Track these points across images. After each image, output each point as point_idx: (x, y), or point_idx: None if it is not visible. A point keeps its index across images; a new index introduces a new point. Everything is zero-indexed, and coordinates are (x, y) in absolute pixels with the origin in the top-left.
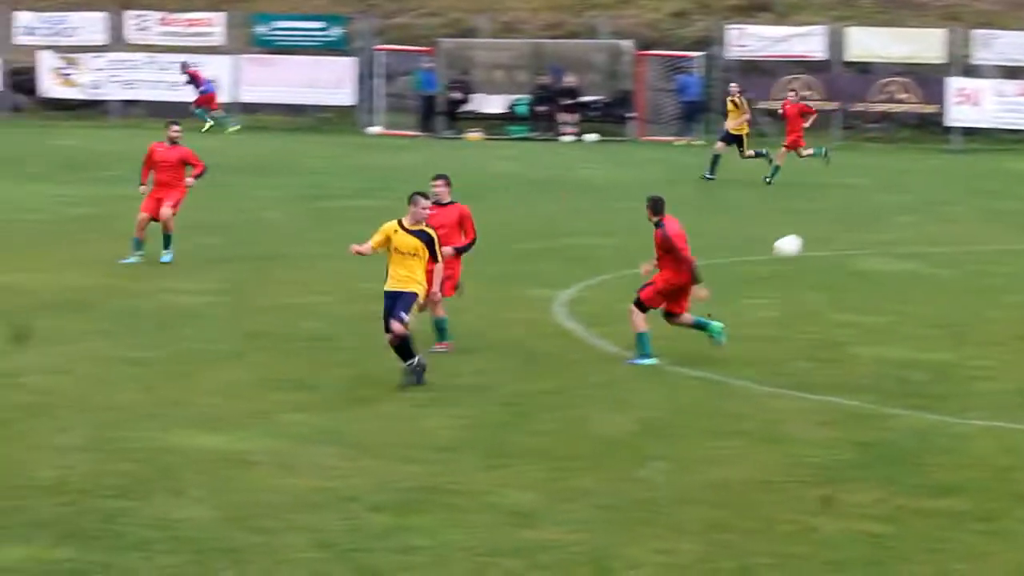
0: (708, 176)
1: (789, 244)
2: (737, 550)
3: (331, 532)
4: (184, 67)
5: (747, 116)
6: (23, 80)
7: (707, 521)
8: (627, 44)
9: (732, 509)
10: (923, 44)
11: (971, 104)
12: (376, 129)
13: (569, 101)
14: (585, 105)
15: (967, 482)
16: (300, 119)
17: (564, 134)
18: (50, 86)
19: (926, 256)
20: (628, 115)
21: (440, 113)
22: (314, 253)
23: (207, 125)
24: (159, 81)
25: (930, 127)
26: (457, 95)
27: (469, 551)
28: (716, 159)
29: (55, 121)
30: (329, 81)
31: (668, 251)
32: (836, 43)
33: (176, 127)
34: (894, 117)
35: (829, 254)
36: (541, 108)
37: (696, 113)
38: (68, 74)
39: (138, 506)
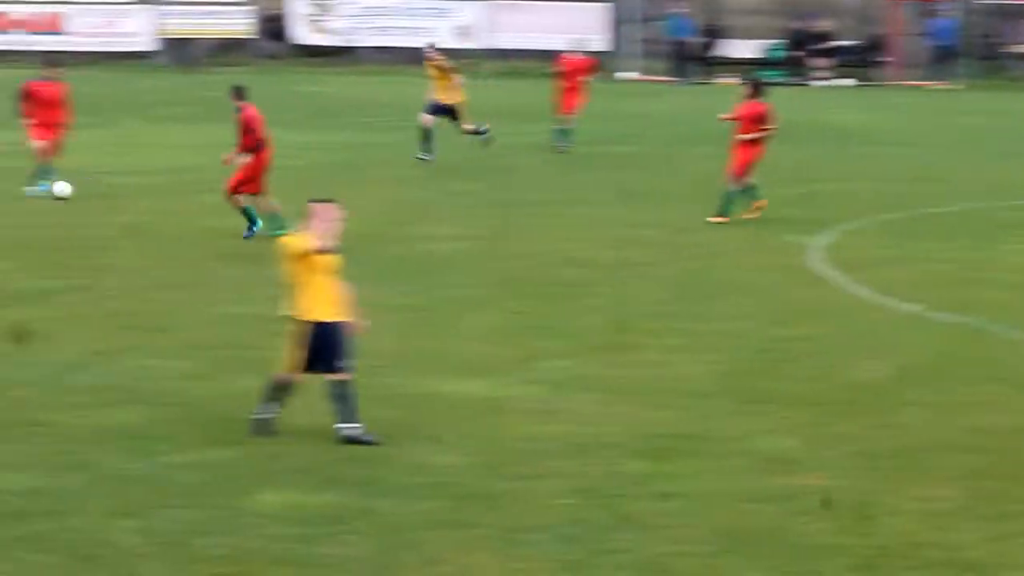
0: (422, 157)
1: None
2: (997, 497)
3: (588, 478)
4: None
5: (458, 80)
6: (275, 27)
7: (966, 468)
8: None
9: (992, 455)
10: None
11: None
12: (629, 75)
13: (822, 46)
14: (838, 49)
15: None
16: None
17: (817, 79)
18: (303, 33)
19: None
20: (881, 59)
21: (692, 58)
22: (568, 199)
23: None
24: (411, 28)
25: None
26: (707, 40)
27: (727, 497)
28: (428, 134)
29: (308, 68)
30: (582, 26)
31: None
32: None
33: None
34: None
35: None
36: (796, 53)
37: (950, 57)
38: (320, 20)
39: (397, 452)
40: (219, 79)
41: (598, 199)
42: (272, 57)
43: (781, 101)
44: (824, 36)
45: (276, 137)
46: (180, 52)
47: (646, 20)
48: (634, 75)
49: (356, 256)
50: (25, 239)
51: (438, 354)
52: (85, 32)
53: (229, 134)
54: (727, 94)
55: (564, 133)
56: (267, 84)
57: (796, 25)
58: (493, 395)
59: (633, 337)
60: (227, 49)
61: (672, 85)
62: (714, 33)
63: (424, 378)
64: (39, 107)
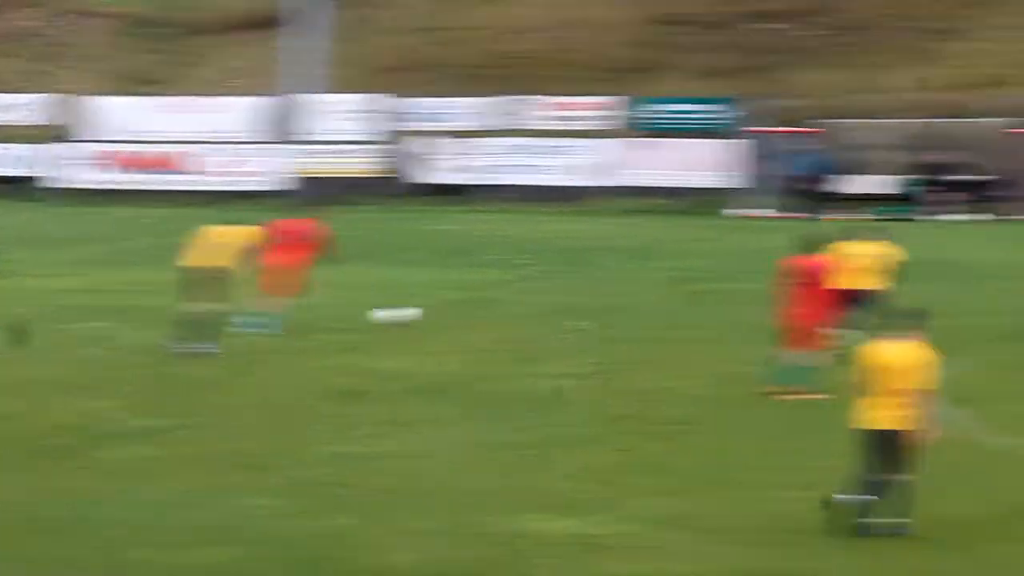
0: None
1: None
2: None
3: None
4: None
5: None
6: (404, 166)
7: None
8: (1013, 121)
9: None
10: None
11: None
12: (761, 211)
13: (957, 179)
14: (971, 184)
15: None
16: (681, 202)
17: (952, 213)
18: (437, 171)
19: None
20: (1016, 194)
21: (827, 195)
22: (683, 337)
23: None
24: (541, 166)
25: None
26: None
27: None
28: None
29: (438, 206)
30: (710, 164)
31: None
32: None
33: None
34: None
35: None
36: (929, 188)
37: None
38: (451, 159)
39: None
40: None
41: (709, 336)
42: (395, 196)
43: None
44: (956, 170)
45: (402, 276)
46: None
47: (772, 157)
48: (768, 211)
49: (461, 393)
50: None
51: (534, 492)
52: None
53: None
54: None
55: None
56: (390, 222)
57: (928, 159)
58: (587, 532)
59: (736, 474)
60: (354, 188)
61: (801, 221)
62: (841, 169)
63: (519, 516)
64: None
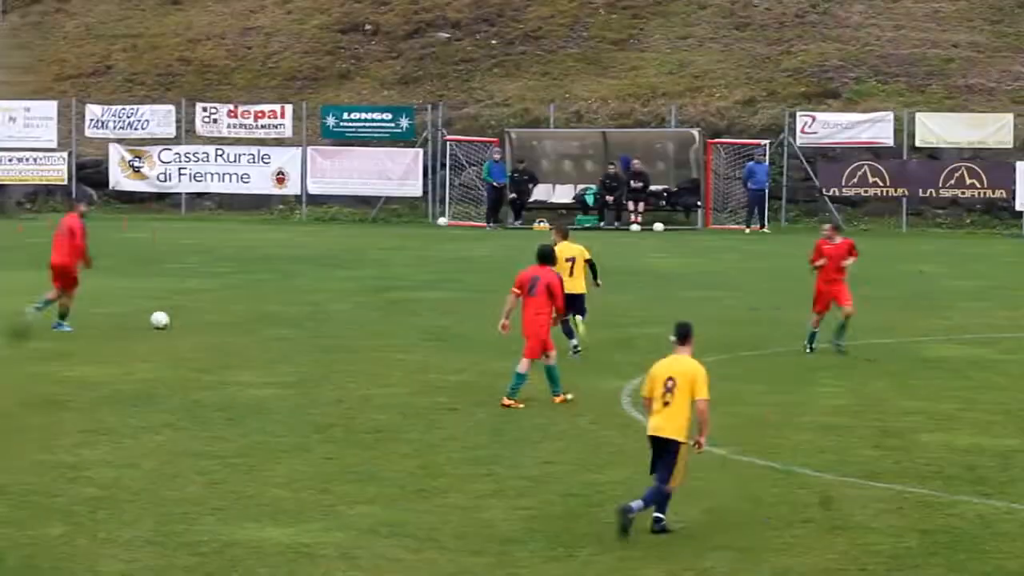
0: None
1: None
2: None
3: None
4: None
5: None
6: (91, 173)
7: None
8: (694, 132)
9: None
10: (992, 129)
11: None
12: (444, 220)
13: (637, 189)
14: (654, 194)
15: None
16: (368, 210)
17: (633, 223)
18: (120, 178)
19: (994, 342)
20: (696, 203)
21: (508, 204)
22: (382, 345)
23: None
24: (228, 173)
25: (998, 212)
26: (525, 185)
27: None
28: None
29: (125, 213)
30: (397, 172)
31: None
32: (905, 129)
33: None
34: (961, 203)
35: (897, 341)
36: (610, 197)
37: (763, 201)
38: (138, 167)
39: None
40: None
41: (409, 344)
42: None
43: (600, 245)
44: (639, 180)
45: (98, 284)
46: None
47: (459, 166)
48: (446, 220)
49: (162, 401)
50: None
51: (244, 500)
52: None
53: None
54: (542, 239)
55: None
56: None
57: (612, 170)
58: (300, 541)
59: (442, 482)
60: (42, 195)
61: (487, 230)
62: (529, 178)
63: (229, 525)
64: None
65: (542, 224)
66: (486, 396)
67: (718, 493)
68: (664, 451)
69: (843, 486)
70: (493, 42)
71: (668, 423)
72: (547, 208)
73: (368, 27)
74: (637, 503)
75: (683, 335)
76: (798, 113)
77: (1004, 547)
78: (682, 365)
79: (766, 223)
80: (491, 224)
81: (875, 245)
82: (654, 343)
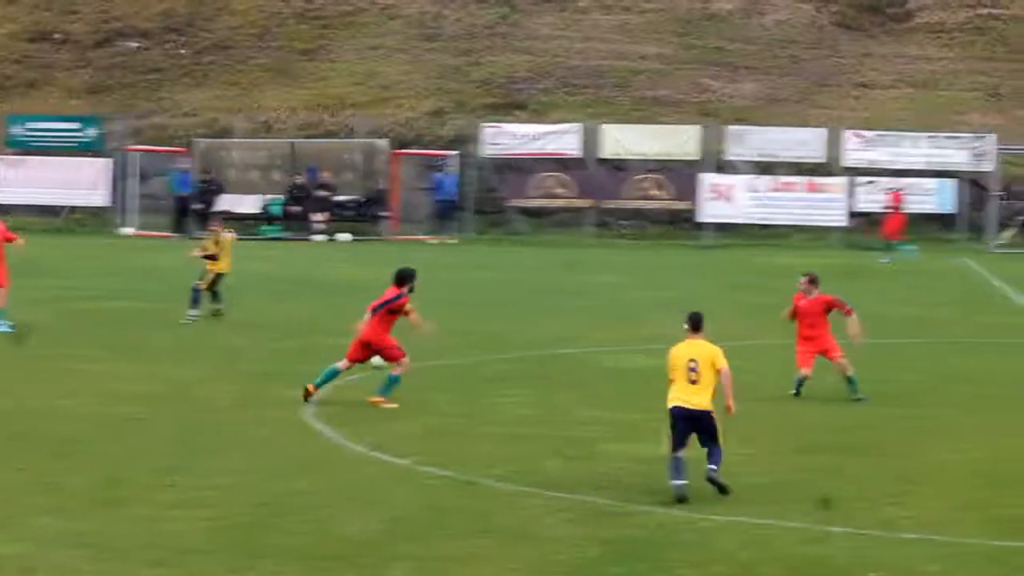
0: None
1: None
2: None
3: None
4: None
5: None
6: None
7: None
8: (382, 143)
9: None
10: (677, 140)
11: (724, 200)
12: (129, 230)
13: (323, 199)
14: (339, 204)
15: None
16: (54, 220)
17: (316, 233)
18: None
19: None
20: (382, 214)
21: (193, 213)
22: (65, 354)
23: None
24: None
25: (682, 223)
26: (210, 196)
27: None
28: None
29: None
30: (83, 182)
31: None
32: (590, 140)
33: None
34: (647, 214)
35: (582, 351)
36: (295, 208)
37: (450, 211)
38: None
39: None
40: None
41: (93, 355)
42: None
43: (284, 256)
44: (325, 191)
45: None
46: None
47: (144, 176)
48: (131, 230)
49: None
50: None
51: None
52: None
53: None
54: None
55: None
56: None
57: (298, 180)
58: None
59: (126, 492)
60: None
61: (172, 240)
62: (215, 188)
63: None
64: None
65: (228, 234)
66: (172, 406)
67: (400, 503)
68: (697, 423)
69: (525, 496)
70: (182, 51)
71: (698, 397)
72: (233, 218)
73: (57, 35)
74: (711, 466)
75: (695, 324)
76: (485, 124)
77: (682, 555)
78: (700, 348)
79: (452, 234)
80: (177, 234)
81: (561, 255)
82: (339, 354)
